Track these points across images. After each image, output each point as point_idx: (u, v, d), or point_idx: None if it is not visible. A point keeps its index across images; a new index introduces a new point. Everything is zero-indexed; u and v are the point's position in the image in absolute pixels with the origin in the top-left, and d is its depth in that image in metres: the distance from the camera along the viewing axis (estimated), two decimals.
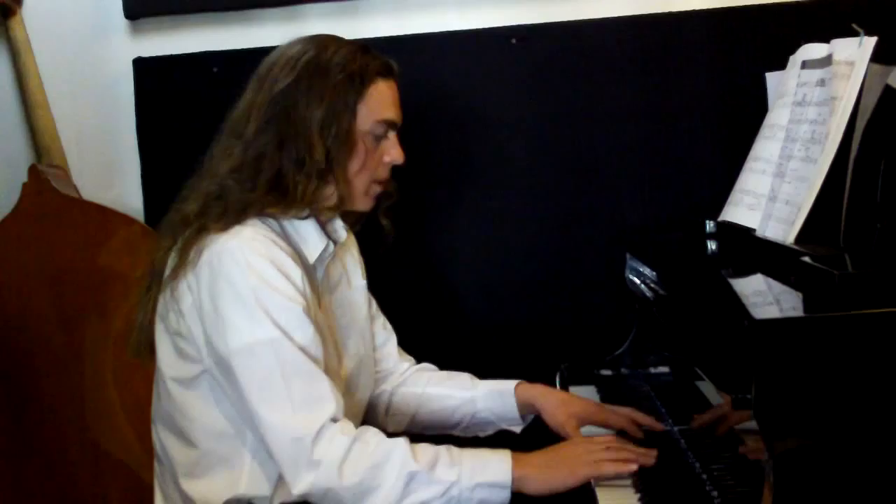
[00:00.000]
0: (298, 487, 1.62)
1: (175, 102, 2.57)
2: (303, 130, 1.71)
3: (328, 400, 1.64)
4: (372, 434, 1.66)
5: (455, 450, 1.67)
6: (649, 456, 1.70)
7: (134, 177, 2.61)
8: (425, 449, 1.65)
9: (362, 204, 1.82)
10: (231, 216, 1.68)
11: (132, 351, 1.83)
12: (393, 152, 1.80)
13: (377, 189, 1.83)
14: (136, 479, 2.33)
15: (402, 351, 2.07)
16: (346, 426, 1.65)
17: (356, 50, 1.76)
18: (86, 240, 2.45)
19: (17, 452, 2.45)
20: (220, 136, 1.78)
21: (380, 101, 1.77)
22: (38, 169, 2.49)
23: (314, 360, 1.66)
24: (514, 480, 1.64)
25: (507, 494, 1.64)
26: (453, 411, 1.98)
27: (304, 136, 1.71)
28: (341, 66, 1.73)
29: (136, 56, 2.58)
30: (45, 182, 2.47)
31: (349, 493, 1.61)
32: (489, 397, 1.96)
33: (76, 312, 2.44)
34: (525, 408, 1.94)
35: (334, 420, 1.64)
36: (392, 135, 1.81)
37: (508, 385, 1.96)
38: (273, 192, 1.71)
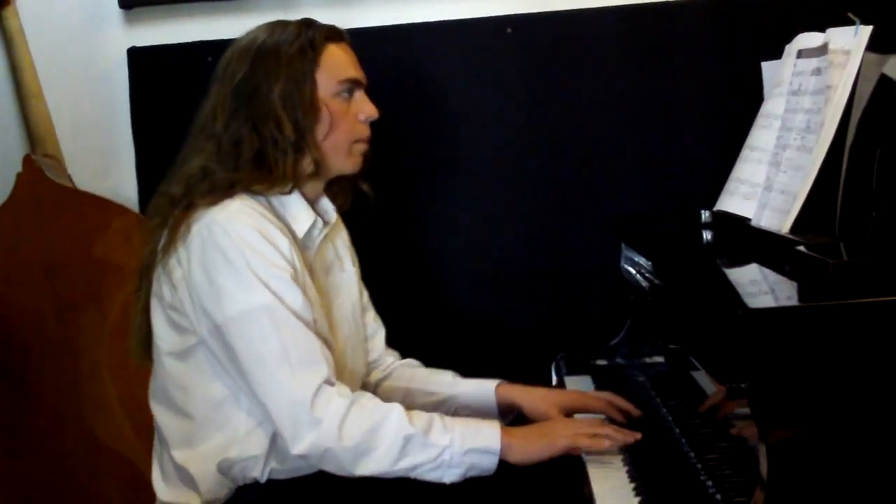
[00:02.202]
0: (299, 447, 1.65)
1: (170, 92, 2.56)
2: (269, 110, 1.76)
3: (322, 362, 1.69)
4: (368, 398, 1.71)
5: (447, 417, 1.72)
6: (631, 435, 1.75)
7: (129, 166, 2.60)
8: (419, 414, 1.71)
9: (347, 165, 1.85)
10: (219, 192, 1.72)
11: (135, 355, 1.86)
12: (366, 108, 1.85)
13: (361, 147, 1.86)
14: (133, 468, 2.34)
15: (387, 345, 2.09)
16: (343, 389, 1.69)
17: (300, 24, 1.82)
18: (81, 230, 2.45)
19: (13, 443, 2.45)
20: (190, 136, 1.82)
21: (336, 64, 1.81)
22: (33, 159, 2.48)
23: (306, 323, 1.70)
24: (501, 448, 1.69)
25: (495, 460, 1.69)
26: (435, 408, 1.97)
27: (271, 115, 1.75)
28: (290, 41, 1.78)
29: (130, 46, 2.58)
30: (40, 172, 2.46)
31: (347, 453, 1.65)
32: (470, 396, 1.99)
33: (71, 303, 2.44)
34: (505, 407, 1.97)
35: (329, 383, 1.68)
36: (359, 93, 1.85)
37: (489, 385, 1.99)
38: (258, 171, 1.75)
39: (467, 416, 1.94)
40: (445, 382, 2.02)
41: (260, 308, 1.66)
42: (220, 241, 1.67)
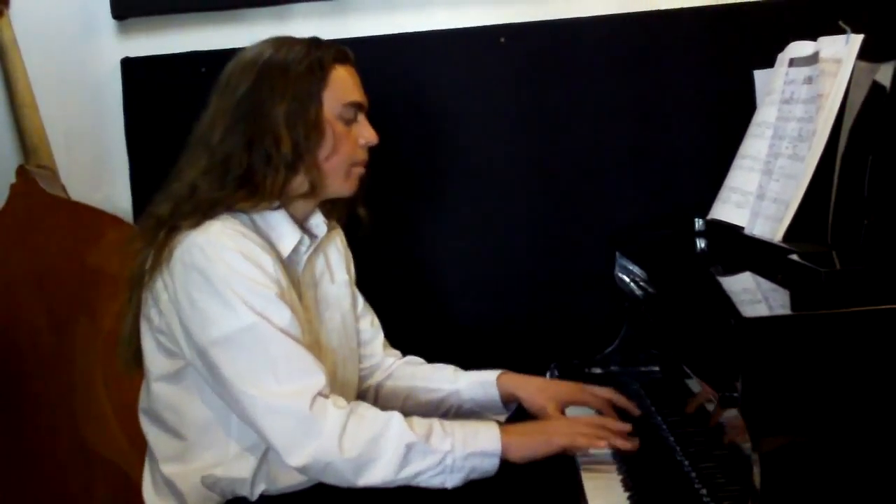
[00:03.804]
0: (296, 459, 1.63)
1: (163, 102, 2.56)
2: (270, 127, 1.73)
3: (315, 373, 1.67)
4: (365, 407, 1.69)
5: (445, 422, 1.71)
6: (630, 440, 1.74)
7: (122, 177, 2.60)
8: (419, 421, 1.69)
9: (344, 188, 1.84)
10: (200, 213, 1.71)
11: (122, 365, 1.85)
12: (366, 133, 1.83)
13: (358, 171, 1.85)
14: (126, 478, 2.33)
15: (387, 345, 2.09)
16: (338, 401, 1.67)
17: (310, 44, 1.80)
18: (74, 240, 2.44)
19: (6, 453, 2.44)
20: (188, 147, 1.80)
21: (343, 86, 1.80)
22: (26, 169, 2.48)
23: (295, 339, 1.68)
24: (501, 448, 1.69)
25: (496, 462, 1.69)
26: (439, 404, 1.99)
27: (271, 132, 1.73)
28: (299, 59, 1.76)
29: (123, 56, 2.57)
30: (33, 183, 2.45)
31: (349, 465, 1.64)
32: (473, 389, 1.98)
33: (65, 313, 2.43)
34: (507, 397, 1.97)
35: (324, 395, 1.66)
36: (361, 117, 1.84)
37: (490, 376, 1.98)
38: (243, 189, 1.73)
39: (471, 409, 1.98)
40: (447, 378, 2.01)
41: (244, 329, 1.64)
42: (200, 264, 1.66)
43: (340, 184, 1.83)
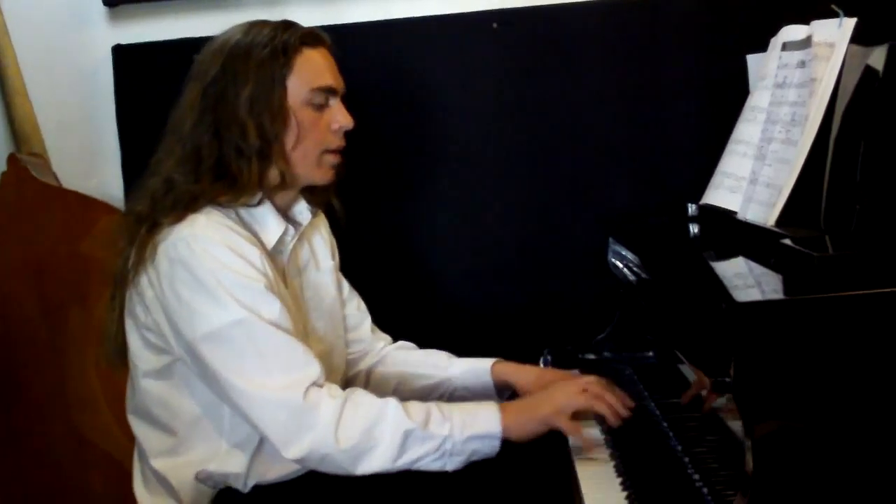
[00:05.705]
0: (293, 451, 1.62)
1: (155, 90, 2.51)
2: (234, 115, 1.70)
3: (308, 364, 1.66)
4: (361, 394, 1.68)
5: (444, 405, 1.70)
6: (624, 408, 1.76)
7: (114, 165, 2.59)
8: (416, 406, 1.68)
9: (317, 176, 1.81)
10: (181, 207, 1.69)
11: (106, 360, 1.84)
12: (339, 118, 1.79)
13: (332, 159, 1.81)
14: (119, 467, 2.32)
15: (376, 329, 2.08)
16: (333, 390, 1.66)
17: (278, 26, 1.76)
18: (67, 229, 2.44)
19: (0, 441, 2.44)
20: (164, 136, 1.78)
21: (311, 70, 1.76)
22: (18, 158, 2.47)
23: (286, 331, 1.67)
24: (501, 430, 1.68)
25: (497, 444, 1.68)
26: (431, 391, 1.99)
27: (236, 120, 1.70)
28: (263, 43, 1.72)
29: (115, 43, 2.56)
30: (25, 171, 2.45)
31: (346, 455, 1.63)
32: (466, 376, 1.97)
33: (58, 302, 2.42)
34: (502, 385, 1.96)
35: (318, 385, 1.65)
36: (335, 101, 1.80)
37: (485, 364, 1.97)
38: (220, 181, 1.71)
39: (464, 397, 1.96)
40: (440, 364, 2.00)
41: (233, 324, 1.63)
42: (186, 258, 1.64)
43: (312, 172, 1.80)
